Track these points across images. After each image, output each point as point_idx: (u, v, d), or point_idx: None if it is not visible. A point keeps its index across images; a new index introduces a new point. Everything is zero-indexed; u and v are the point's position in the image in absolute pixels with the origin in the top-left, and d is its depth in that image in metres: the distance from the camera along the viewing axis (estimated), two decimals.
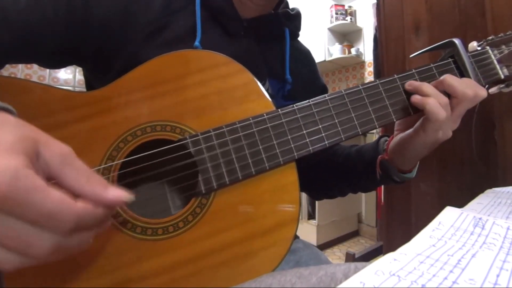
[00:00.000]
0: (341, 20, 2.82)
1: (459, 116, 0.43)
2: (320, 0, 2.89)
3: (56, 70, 2.87)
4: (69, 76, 2.95)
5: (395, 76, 0.44)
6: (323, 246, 2.36)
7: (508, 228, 0.27)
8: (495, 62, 0.47)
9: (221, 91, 0.40)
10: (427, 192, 0.92)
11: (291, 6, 0.61)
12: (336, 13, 2.83)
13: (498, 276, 0.19)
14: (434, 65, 0.46)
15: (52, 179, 0.23)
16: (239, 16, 0.51)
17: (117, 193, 0.25)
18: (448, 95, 0.42)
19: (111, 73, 0.45)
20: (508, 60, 0.47)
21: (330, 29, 2.90)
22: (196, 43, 0.46)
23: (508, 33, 0.49)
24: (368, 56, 2.84)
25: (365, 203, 2.66)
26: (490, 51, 0.47)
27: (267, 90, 0.42)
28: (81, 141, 0.36)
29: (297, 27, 0.61)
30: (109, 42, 0.45)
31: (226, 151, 0.37)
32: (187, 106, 0.39)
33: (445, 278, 0.19)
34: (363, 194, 2.64)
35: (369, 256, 1.16)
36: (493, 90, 0.50)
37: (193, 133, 0.38)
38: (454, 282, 0.18)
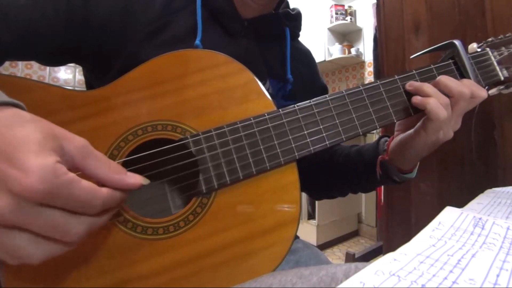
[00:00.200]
0: (341, 20, 2.82)
1: (459, 116, 0.43)
2: (320, 0, 2.89)
3: (56, 70, 2.87)
4: (69, 76, 2.95)
5: (396, 77, 0.44)
6: (323, 246, 2.36)
7: (508, 228, 0.27)
8: (495, 63, 0.47)
9: (222, 90, 0.40)
10: (427, 192, 0.92)
11: (291, 6, 0.61)
12: (336, 13, 2.83)
13: (498, 276, 0.19)
14: (434, 66, 0.46)
15: (76, 170, 0.26)
16: (240, 16, 0.51)
17: (136, 178, 0.29)
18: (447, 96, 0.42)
19: (111, 73, 0.45)
20: (507, 62, 0.47)
21: (330, 29, 2.90)
22: (197, 42, 0.46)
23: (508, 35, 0.49)
24: (368, 56, 2.85)
25: (365, 203, 2.66)
26: (490, 53, 0.48)
27: (267, 90, 0.42)
28: None
29: (298, 27, 0.61)
30: (109, 42, 0.45)
31: (227, 151, 0.37)
32: (188, 106, 0.39)
33: (445, 278, 0.19)
34: (363, 194, 2.64)
35: (369, 256, 1.16)
36: (493, 91, 0.50)
37: (194, 132, 0.38)
38: (454, 282, 0.18)
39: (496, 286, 0.18)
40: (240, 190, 0.37)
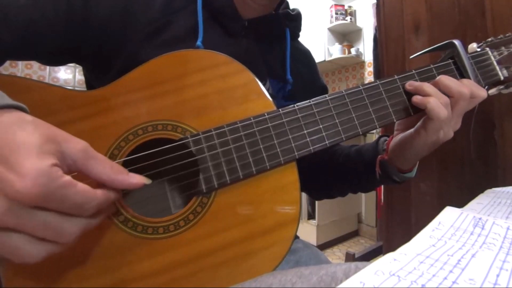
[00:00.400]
0: (341, 20, 2.82)
1: (459, 116, 0.43)
2: (320, 0, 2.89)
3: (56, 70, 2.87)
4: (69, 76, 2.95)
5: (395, 77, 0.44)
6: (323, 246, 2.36)
7: (508, 228, 0.27)
8: (495, 63, 0.47)
9: (222, 90, 0.40)
10: (427, 192, 0.92)
11: (291, 7, 0.61)
12: (336, 13, 2.83)
13: (498, 276, 0.19)
14: (434, 66, 0.46)
15: (79, 173, 0.27)
16: (240, 16, 0.51)
17: (138, 178, 0.30)
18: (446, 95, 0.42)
19: (111, 73, 0.45)
20: (507, 62, 0.47)
21: (330, 29, 2.90)
22: (198, 42, 0.46)
23: (507, 34, 0.49)
24: (368, 56, 2.84)
25: (365, 203, 2.66)
26: (489, 53, 0.48)
27: (268, 90, 0.42)
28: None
29: (298, 28, 0.61)
30: (109, 42, 0.45)
31: (227, 150, 0.37)
32: (188, 106, 0.39)
33: (445, 278, 0.19)
34: (363, 194, 2.64)
35: (369, 256, 1.16)
36: (493, 91, 0.50)
37: (194, 132, 0.38)
38: (454, 282, 0.18)
39: (496, 286, 0.18)
40: (240, 190, 0.37)
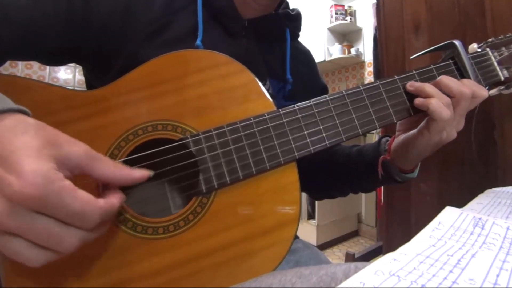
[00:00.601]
0: (341, 20, 2.82)
1: (461, 116, 0.43)
2: (320, 0, 2.89)
3: (56, 70, 2.87)
4: (69, 76, 2.95)
5: (396, 77, 0.44)
6: (323, 246, 2.36)
7: (508, 228, 0.27)
8: (495, 64, 0.47)
9: (222, 90, 0.40)
10: (427, 192, 0.92)
11: (291, 6, 0.61)
12: (336, 13, 2.83)
13: (497, 276, 0.19)
14: (434, 66, 0.46)
15: (82, 174, 0.27)
16: (240, 16, 0.51)
17: (141, 172, 0.30)
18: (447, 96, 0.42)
19: (111, 73, 0.45)
20: (508, 62, 0.47)
21: (330, 29, 2.90)
22: (198, 42, 0.46)
23: (508, 35, 0.49)
24: (368, 56, 2.85)
25: (365, 203, 2.66)
26: (490, 53, 0.48)
27: (268, 90, 0.42)
28: (82, 140, 0.35)
29: (298, 27, 0.61)
30: (109, 42, 0.45)
31: (227, 151, 0.37)
32: (188, 106, 0.39)
33: (445, 278, 0.19)
34: (363, 194, 2.64)
35: (369, 256, 1.16)
36: (493, 91, 0.50)
37: (194, 132, 0.38)
38: (454, 282, 0.18)
39: (496, 286, 0.18)
40: (240, 190, 0.37)
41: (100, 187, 0.33)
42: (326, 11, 2.88)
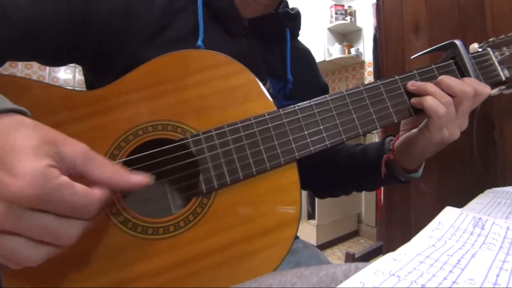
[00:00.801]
0: (341, 20, 2.82)
1: (464, 115, 0.43)
2: (320, 0, 2.89)
3: (56, 70, 2.87)
4: (68, 76, 2.95)
5: (396, 77, 0.44)
6: (323, 246, 2.36)
7: (507, 228, 0.27)
8: (496, 63, 0.47)
9: (222, 91, 0.40)
10: (427, 192, 0.92)
11: (290, 6, 0.61)
12: (336, 13, 2.83)
13: (497, 276, 0.19)
14: (435, 66, 0.46)
15: (79, 176, 0.26)
16: (240, 16, 0.51)
17: (140, 177, 0.29)
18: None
19: (112, 73, 0.45)
20: (509, 62, 0.47)
21: (330, 29, 2.90)
22: (199, 42, 0.46)
23: (509, 35, 0.49)
24: (368, 56, 2.85)
25: (365, 203, 2.66)
26: (491, 53, 0.48)
27: (268, 90, 0.42)
28: (82, 140, 0.35)
29: (297, 27, 0.61)
30: (109, 42, 0.45)
31: (227, 151, 0.37)
32: (188, 106, 0.39)
33: (445, 278, 0.19)
34: (363, 194, 2.64)
35: (368, 256, 1.16)
36: (494, 91, 0.50)
37: (194, 132, 0.38)
38: (453, 282, 0.18)
39: (496, 286, 0.18)
40: (240, 190, 0.37)
41: None
42: (326, 11, 2.88)
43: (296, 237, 0.54)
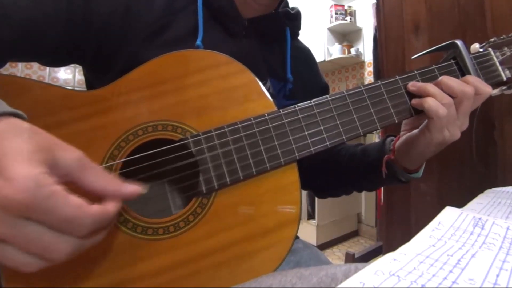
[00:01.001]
0: (341, 20, 2.82)
1: (464, 115, 0.43)
2: (319, 0, 2.89)
3: (56, 70, 2.87)
4: (68, 76, 2.95)
5: (397, 77, 0.44)
6: (322, 246, 2.36)
7: (507, 228, 0.27)
8: (497, 64, 0.47)
9: (222, 91, 0.40)
10: (427, 192, 0.92)
11: (290, 6, 0.61)
12: (336, 13, 2.83)
13: (497, 276, 0.19)
14: (436, 66, 0.46)
15: (72, 183, 0.25)
16: (240, 16, 0.51)
17: (134, 188, 0.29)
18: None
19: (112, 73, 0.45)
20: (510, 62, 0.47)
21: (330, 29, 2.90)
22: (198, 42, 0.46)
23: (510, 35, 0.48)
24: (368, 56, 2.85)
25: (365, 203, 2.66)
26: (492, 53, 0.47)
27: (268, 90, 0.42)
28: (82, 141, 0.36)
29: (298, 27, 0.61)
30: (109, 42, 0.45)
31: (227, 151, 0.37)
32: (188, 106, 0.39)
33: (445, 278, 0.19)
34: (363, 194, 2.64)
35: (368, 256, 1.16)
36: (495, 92, 0.50)
37: (194, 133, 0.38)
38: (453, 282, 0.18)
39: (496, 286, 0.18)
40: (240, 191, 0.37)
41: None
42: (326, 11, 2.88)
43: (296, 237, 0.54)
